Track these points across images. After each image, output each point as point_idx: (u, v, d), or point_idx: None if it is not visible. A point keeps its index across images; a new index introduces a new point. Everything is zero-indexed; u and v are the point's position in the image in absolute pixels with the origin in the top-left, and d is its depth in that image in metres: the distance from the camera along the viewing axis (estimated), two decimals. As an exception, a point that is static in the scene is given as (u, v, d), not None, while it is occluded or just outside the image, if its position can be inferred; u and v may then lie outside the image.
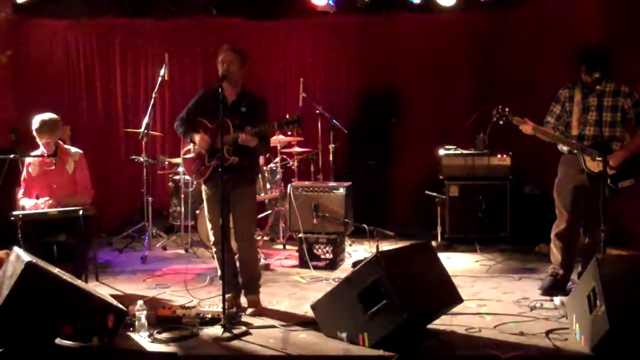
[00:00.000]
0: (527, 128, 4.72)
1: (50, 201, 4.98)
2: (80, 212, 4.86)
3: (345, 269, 5.71)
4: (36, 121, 5.01)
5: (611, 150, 4.63)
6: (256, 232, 5.02)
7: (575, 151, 4.74)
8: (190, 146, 4.67)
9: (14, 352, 3.57)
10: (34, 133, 5.03)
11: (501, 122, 4.77)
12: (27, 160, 5.17)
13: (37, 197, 5.09)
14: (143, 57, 8.10)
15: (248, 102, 4.52)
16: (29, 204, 5.04)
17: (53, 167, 5.05)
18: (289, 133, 6.62)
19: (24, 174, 5.18)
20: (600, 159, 4.47)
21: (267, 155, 6.98)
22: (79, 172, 5.20)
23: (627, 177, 4.67)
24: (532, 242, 6.50)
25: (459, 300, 4.16)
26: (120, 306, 3.89)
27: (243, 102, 4.51)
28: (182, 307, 4.29)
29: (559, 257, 4.88)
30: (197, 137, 4.49)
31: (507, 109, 4.76)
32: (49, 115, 5.06)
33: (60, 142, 5.19)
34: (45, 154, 5.04)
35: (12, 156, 4.84)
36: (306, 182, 6.61)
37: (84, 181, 5.21)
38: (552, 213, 4.98)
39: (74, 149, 5.28)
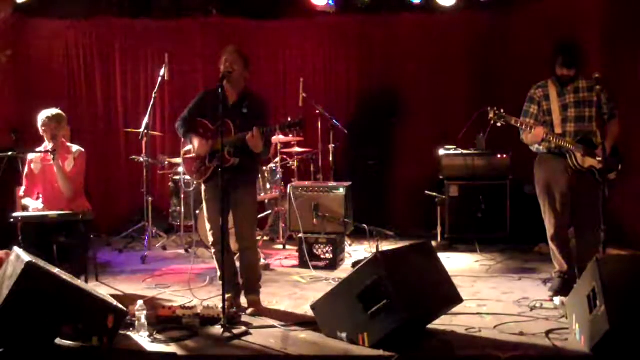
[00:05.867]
0: (540, 131, 4.58)
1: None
2: (80, 216, 4.88)
3: (345, 269, 5.72)
4: (42, 115, 5.09)
5: (593, 144, 4.64)
6: (256, 232, 5.02)
7: (562, 150, 4.67)
8: (190, 146, 4.67)
9: (14, 352, 3.57)
10: (41, 126, 5.08)
11: (499, 125, 4.62)
12: (29, 157, 5.20)
13: (38, 196, 5.11)
14: (143, 57, 8.11)
15: (249, 103, 4.52)
16: (32, 205, 5.06)
17: (51, 162, 5.05)
18: (291, 135, 6.64)
19: (26, 170, 5.19)
20: (600, 158, 4.45)
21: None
22: (73, 166, 5.19)
23: (611, 170, 4.67)
24: (532, 242, 6.51)
25: (459, 300, 4.16)
26: (120, 306, 3.88)
27: (244, 103, 4.51)
28: (182, 307, 4.29)
29: (560, 258, 4.84)
30: (196, 142, 4.50)
31: (502, 110, 4.62)
32: (55, 110, 5.16)
33: (63, 140, 5.22)
34: (44, 150, 5.06)
35: (10, 153, 4.86)
36: (306, 182, 6.61)
37: (73, 174, 5.17)
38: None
39: (75, 147, 5.29)
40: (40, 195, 5.16)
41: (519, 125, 4.65)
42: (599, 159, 4.47)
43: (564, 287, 4.73)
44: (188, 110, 4.63)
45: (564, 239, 4.85)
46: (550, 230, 4.85)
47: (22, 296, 3.55)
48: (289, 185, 6.30)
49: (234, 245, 4.71)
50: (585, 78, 4.70)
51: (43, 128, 5.08)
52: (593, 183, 4.57)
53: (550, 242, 4.89)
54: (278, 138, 6.78)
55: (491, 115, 4.62)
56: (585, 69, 4.70)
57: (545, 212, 4.87)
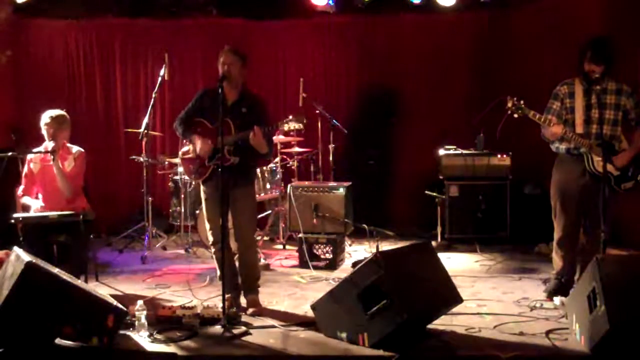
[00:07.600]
0: (557, 129, 4.46)
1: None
2: (81, 216, 4.89)
3: (345, 269, 5.71)
4: (45, 115, 5.10)
5: (614, 149, 4.58)
6: (256, 232, 5.02)
7: (581, 150, 4.56)
8: (188, 147, 4.66)
9: (14, 352, 3.57)
10: (42, 125, 5.09)
11: (516, 115, 4.45)
12: (29, 156, 5.20)
13: (37, 196, 5.12)
14: (143, 57, 8.11)
15: (249, 103, 4.52)
16: (34, 205, 5.06)
17: (51, 163, 5.05)
18: (292, 132, 6.63)
19: (25, 170, 5.20)
20: (619, 164, 4.42)
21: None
22: (73, 167, 5.20)
23: (629, 179, 4.59)
24: (532, 242, 6.51)
25: (459, 300, 4.16)
26: (120, 306, 3.88)
27: (243, 103, 4.51)
28: (182, 307, 4.29)
29: (560, 264, 4.78)
30: (198, 142, 4.49)
31: (522, 101, 4.45)
32: (58, 111, 5.18)
33: (64, 141, 5.23)
34: (44, 150, 5.06)
35: (10, 154, 4.86)
36: (306, 182, 6.61)
37: (72, 174, 5.19)
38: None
39: (75, 148, 5.30)
40: (40, 195, 5.17)
41: (536, 118, 4.50)
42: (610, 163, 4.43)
43: (559, 290, 4.71)
44: (186, 111, 4.62)
45: (571, 245, 4.74)
46: (558, 233, 4.75)
47: (22, 296, 3.55)
48: (289, 185, 6.29)
49: (233, 245, 4.71)
50: (614, 80, 4.58)
51: (44, 128, 5.10)
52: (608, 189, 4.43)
53: (555, 244, 4.82)
54: (278, 138, 6.78)
55: (509, 104, 4.45)
56: (614, 69, 4.56)
57: (555, 214, 4.77)
